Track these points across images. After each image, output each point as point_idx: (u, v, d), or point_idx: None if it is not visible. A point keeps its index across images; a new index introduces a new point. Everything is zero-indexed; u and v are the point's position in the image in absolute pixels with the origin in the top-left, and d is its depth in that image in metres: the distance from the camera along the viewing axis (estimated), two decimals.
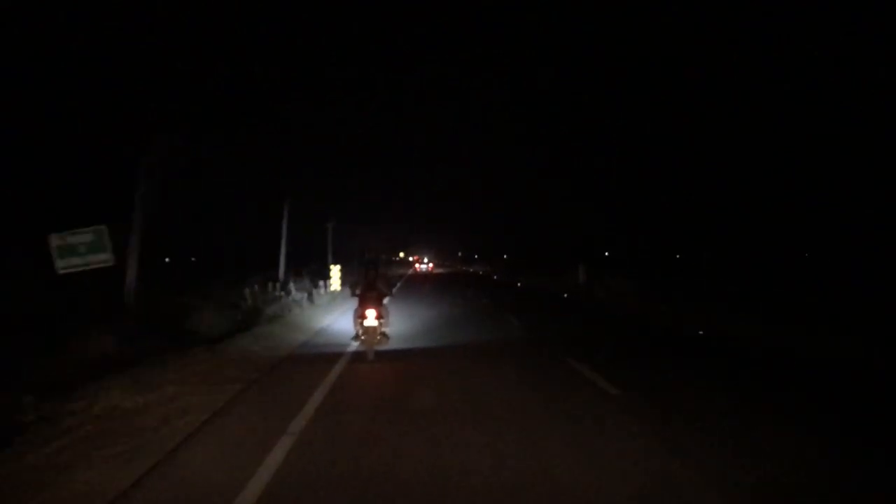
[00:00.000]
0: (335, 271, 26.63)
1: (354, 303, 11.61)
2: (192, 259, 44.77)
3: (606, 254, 42.02)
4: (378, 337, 11.05)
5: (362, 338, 11.02)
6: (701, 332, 13.49)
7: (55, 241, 9.79)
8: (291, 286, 21.75)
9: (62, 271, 9.75)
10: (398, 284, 36.78)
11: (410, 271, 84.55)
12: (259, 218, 24.05)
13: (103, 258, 10.02)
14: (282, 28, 18.40)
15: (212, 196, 25.44)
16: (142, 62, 11.79)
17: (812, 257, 27.64)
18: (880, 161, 20.24)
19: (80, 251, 9.91)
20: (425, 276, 69.42)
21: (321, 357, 10.64)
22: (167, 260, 45.93)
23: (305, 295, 21.05)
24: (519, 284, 39.08)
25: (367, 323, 10.89)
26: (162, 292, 15.65)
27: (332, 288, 25.43)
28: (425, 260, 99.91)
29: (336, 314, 18.33)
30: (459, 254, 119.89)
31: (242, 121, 15.07)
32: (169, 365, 8.60)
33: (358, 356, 10.62)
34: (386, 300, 12.20)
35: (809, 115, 21.85)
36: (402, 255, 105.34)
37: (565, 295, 27.56)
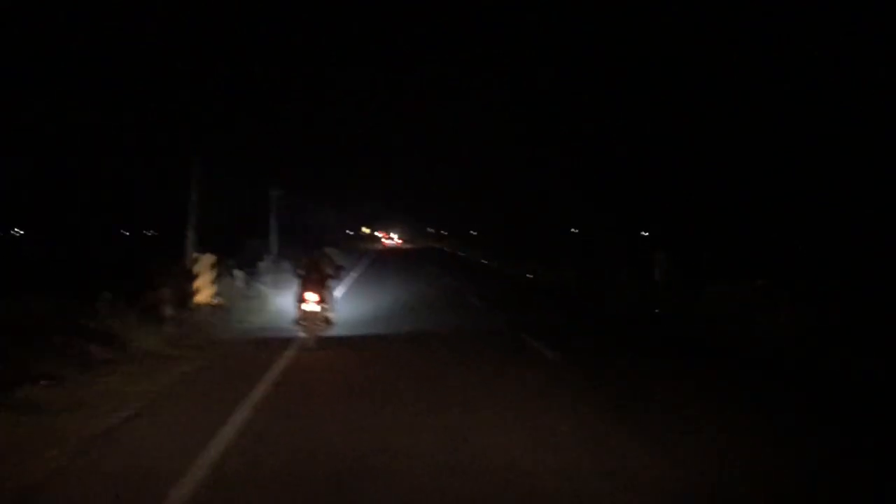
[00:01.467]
0: (204, 264, 13.51)
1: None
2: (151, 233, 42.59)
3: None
4: (320, 323, 10.73)
5: (302, 323, 10.68)
6: None
7: None
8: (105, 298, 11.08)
9: None
10: (359, 270, 31.58)
11: (378, 246, 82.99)
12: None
13: None
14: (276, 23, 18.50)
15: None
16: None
17: None
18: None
19: None
20: (393, 252, 66.88)
21: None
22: (152, 233, 43.52)
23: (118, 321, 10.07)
24: (530, 276, 29.76)
25: (305, 307, 10.53)
26: None
27: (199, 297, 13.25)
28: (392, 235, 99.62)
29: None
30: (430, 230, 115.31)
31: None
32: None
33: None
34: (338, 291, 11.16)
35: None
36: (367, 230, 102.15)
37: (656, 310, 15.73)
